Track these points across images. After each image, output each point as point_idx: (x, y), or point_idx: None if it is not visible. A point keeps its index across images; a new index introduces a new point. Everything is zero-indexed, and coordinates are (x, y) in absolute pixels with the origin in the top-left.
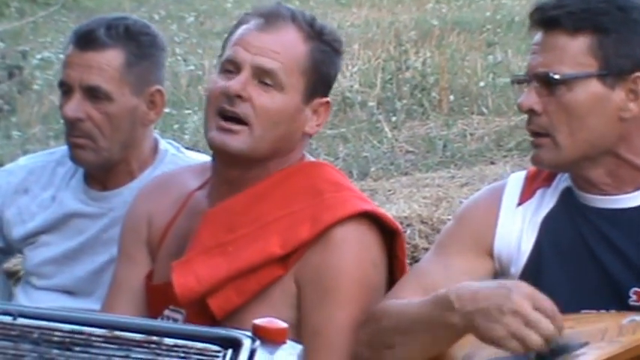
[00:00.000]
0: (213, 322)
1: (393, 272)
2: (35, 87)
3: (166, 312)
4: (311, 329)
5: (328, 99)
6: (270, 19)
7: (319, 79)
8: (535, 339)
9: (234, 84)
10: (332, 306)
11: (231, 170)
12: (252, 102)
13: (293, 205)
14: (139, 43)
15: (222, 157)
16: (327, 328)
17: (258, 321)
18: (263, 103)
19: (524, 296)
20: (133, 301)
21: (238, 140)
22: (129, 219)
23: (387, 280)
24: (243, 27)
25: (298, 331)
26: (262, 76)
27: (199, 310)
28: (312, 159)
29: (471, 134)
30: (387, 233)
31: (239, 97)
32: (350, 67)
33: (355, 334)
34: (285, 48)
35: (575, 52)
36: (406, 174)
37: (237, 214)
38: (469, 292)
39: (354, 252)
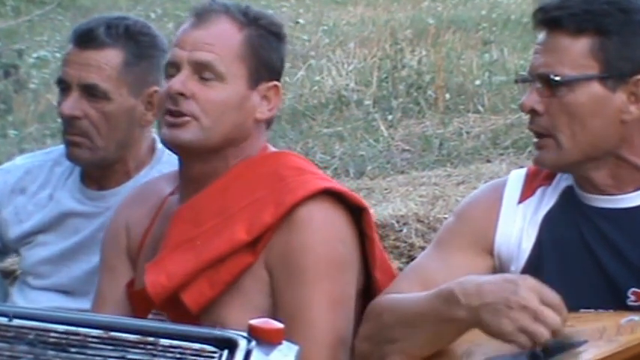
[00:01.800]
0: (195, 321)
1: (365, 250)
2: (31, 86)
3: (150, 316)
4: (286, 312)
5: (276, 83)
6: (203, 15)
7: (261, 64)
8: (544, 333)
9: (175, 83)
10: (303, 286)
11: (191, 166)
12: (195, 98)
13: (256, 193)
14: (138, 44)
15: (178, 152)
16: (302, 309)
17: (253, 321)
18: (207, 97)
19: (532, 290)
20: (117, 311)
21: (187, 132)
22: (109, 230)
23: (359, 258)
24: (180, 29)
25: (275, 318)
26: (201, 71)
27: (178, 311)
28: (274, 149)
29: (467, 132)
30: (354, 211)
31: (181, 95)
32: (346, 66)
33: (331, 311)
34: (219, 39)
35: (576, 53)
36: (402, 172)
37: (203, 209)
38: (474, 287)
39: (319, 230)
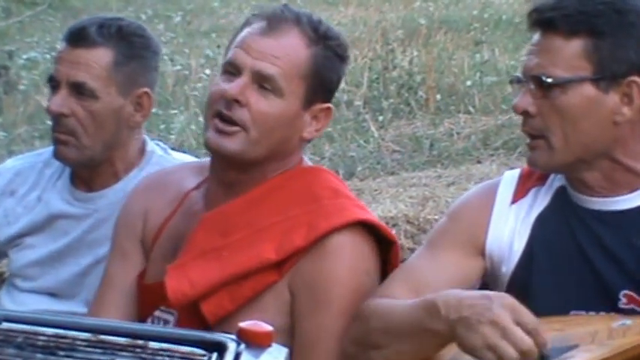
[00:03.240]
0: (204, 324)
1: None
2: (21, 87)
3: (157, 313)
4: (303, 337)
5: (329, 105)
6: (273, 22)
7: (320, 85)
8: (510, 352)
9: (233, 88)
10: (325, 315)
11: (227, 172)
12: (249, 107)
13: (289, 211)
14: (130, 44)
15: (218, 158)
16: (319, 337)
17: (243, 324)
18: (261, 109)
19: (506, 308)
20: (124, 298)
21: (234, 142)
22: (124, 215)
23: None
24: (247, 29)
25: (291, 338)
26: (261, 81)
27: (191, 312)
28: (310, 164)
29: (458, 133)
30: (382, 242)
31: (237, 101)
32: None
33: None
34: (287, 53)
35: (569, 55)
36: (392, 173)
37: (232, 218)
38: (455, 300)
39: (349, 261)
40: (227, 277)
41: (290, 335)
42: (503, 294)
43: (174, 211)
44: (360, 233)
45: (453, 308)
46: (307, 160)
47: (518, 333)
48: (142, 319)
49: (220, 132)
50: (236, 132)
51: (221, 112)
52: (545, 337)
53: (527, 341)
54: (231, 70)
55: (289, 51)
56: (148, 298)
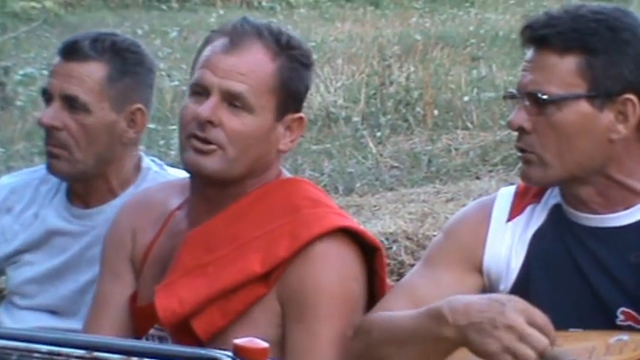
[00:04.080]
0: (198, 342)
1: (373, 288)
2: (18, 103)
3: (152, 331)
4: (294, 346)
5: (301, 114)
6: (235, 38)
7: (290, 96)
8: (529, 354)
9: (204, 110)
10: (314, 322)
11: (208, 190)
12: (223, 126)
13: (271, 223)
14: (124, 60)
15: (199, 180)
16: (310, 344)
17: (238, 341)
18: (234, 127)
19: (518, 311)
20: (118, 318)
21: (212, 161)
22: (113, 234)
23: (366, 297)
24: (209, 48)
25: (282, 350)
26: (231, 99)
27: (184, 331)
28: (289, 175)
29: (456, 149)
30: (367, 249)
31: (210, 122)
32: (334, 82)
33: (338, 348)
34: (252, 69)
35: (564, 72)
36: (391, 189)
37: (216, 234)
38: (462, 306)
39: (333, 267)
40: (215, 293)
41: (282, 347)
42: (513, 297)
43: (160, 232)
44: (342, 240)
45: (461, 314)
46: (286, 172)
47: (535, 334)
48: (137, 339)
49: (198, 151)
50: (213, 150)
51: (196, 134)
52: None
53: (544, 341)
54: (200, 90)
55: (254, 67)
56: (142, 319)
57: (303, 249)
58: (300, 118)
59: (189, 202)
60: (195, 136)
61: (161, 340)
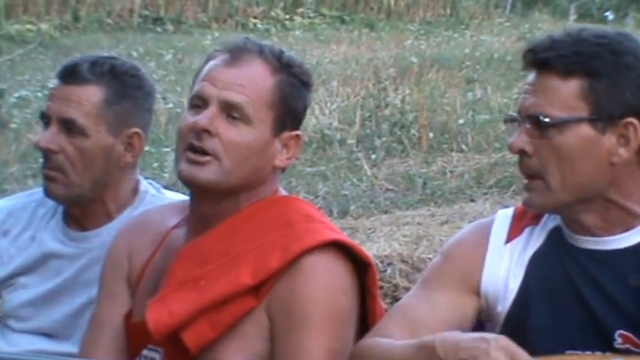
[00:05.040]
0: (189, 357)
1: (365, 305)
2: (13, 125)
3: (145, 352)
4: (284, 358)
5: (298, 132)
6: (236, 53)
7: (288, 113)
8: None
9: (202, 119)
10: (303, 334)
11: (202, 205)
12: (220, 137)
13: (263, 238)
14: (122, 83)
15: (192, 189)
16: (299, 356)
17: None
18: (231, 138)
19: (502, 350)
20: (113, 340)
21: (207, 172)
22: (110, 256)
23: (358, 313)
24: (211, 63)
25: None
26: (229, 110)
27: (175, 348)
28: (285, 193)
29: (451, 172)
30: (359, 265)
31: (207, 131)
32: (329, 105)
33: None
34: (252, 82)
35: (566, 95)
36: (386, 212)
37: (208, 249)
38: (452, 342)
39: (323, 280)
40: (206, 305)
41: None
42: (499, 336)
43: (156, 250)
44: (333, 254)
45: (451, 350)
46: (283, 191)
47: None
48: (133, 359)
49: (193, 162)
50: (208, 161)
51: (192, 144)
52: None
53: None
54: (199, 103)
55: (254, 80)
56: (136, 337)
57: (293, 261)
58: (297, 136)
59: (187, 220)
60: (192, 147)
61: None
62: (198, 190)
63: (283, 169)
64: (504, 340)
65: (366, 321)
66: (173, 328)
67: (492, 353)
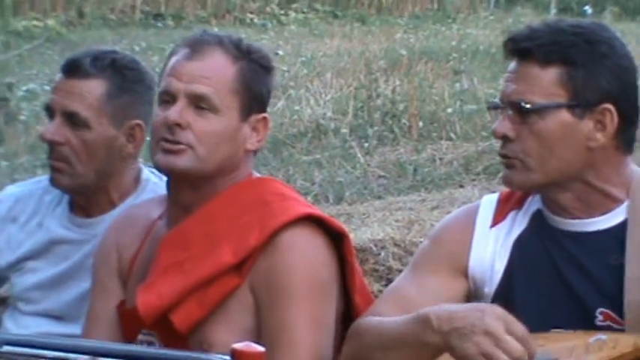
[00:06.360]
0: (181, 339)
1: (344, 275)
2: (22, 118)
3: (140, 336)
4: (270, 332)
5: (265, 115)
6: (197, 46)
7: (253, 97)
8: (504, 359)
9: (172, 113)
10: (287, 307)
11: (181, 192)
12: (191, 128)
13: (242, 218)
14: (123, 77)
15: (171, 177)
16: (285, 329)
17: (236, 345)
18: (201, 128)
19: (497, 318)
20: (109, 330)
21: (183, 159)
22: (100, 252)
23: (339, 282)
24: (174, 58)
25: (258, 338)
26: (197, 102)
27: (167, 330)
28: (259, 175)
29: (440, 159)
30: (335, 237)
31: (178, 125)
32: (323, 96)
33: (311, 331)
34: (215, 72)
35: (546, 82)
36: (379, 198)
37: (190, 233)
38: (447, 313)
39: (301, 253)
40: (192, 286)
41: (256, 335)
42: (493, 305)
43: (143, 242)
44: (309, 227)
45: (445, 320)
46: (255, 173)
47: (511, 341)
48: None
49: (168, 152)
50: (183, 150)
51: (166, 138)
52: (534, 349)
53: (519, 349)
54: (167, 98)
55: (217, 70)
56: (130, 324)
57: (271, 238)
58: (264, 118)
59: (167, 209)
60: (165, 139)
61: (149, 345)
62: (176, 178)
63: (255, 152)
64: (498, 309)
65: (347, 289)
66: (162, 309)
67: (488, 320)
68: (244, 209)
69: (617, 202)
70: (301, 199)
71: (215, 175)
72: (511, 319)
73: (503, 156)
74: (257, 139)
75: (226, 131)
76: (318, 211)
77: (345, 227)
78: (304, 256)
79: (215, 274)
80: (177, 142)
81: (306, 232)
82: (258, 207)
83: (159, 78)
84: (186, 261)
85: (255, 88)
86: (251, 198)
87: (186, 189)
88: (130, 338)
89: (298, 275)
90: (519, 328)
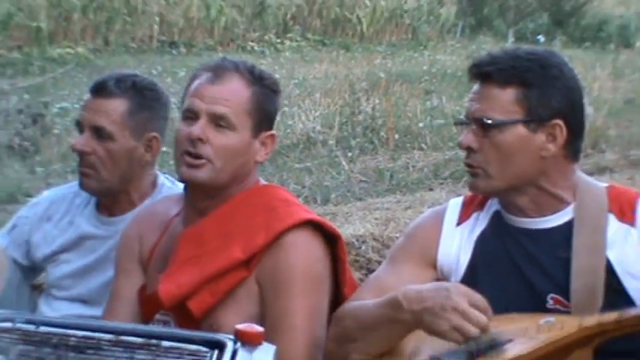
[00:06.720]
0: (195, 322)
1: (336, 270)
2: (55, 131)
3: (157, 316)
4: (271, 318)
5: (273, 132)
6: (218, 71)
7: (263, 117)
8: (472, 330)
9: (195, 130)
10: (286, 297)
11: (199, 198)
12: (210, 143)
13: (251, 220)
14: (142, 96)
15: (191, 187)
16: (286, 316)
17: (239, 326)
18: (220, 143)
19: (462, 295)
20: (129, 309)
21: (203, 172)
22: (124, 241)
23: (332, 276)
24: (197, 81)
25: (261, 323)
26: (217, 120)
27: (182, 313)
28: (265, 182)
29: (413, 166)
30: (330, 238)
31: (200, 140)
32: (313, 112)
33: (308, 318)
34: (232, 95)
35: (504, 101)
36: (360, 199)
37: (206, 232)
38: (415, 293)
39: (302, 252)
40: (206, 277)
41: (259, 321)
42: (455, 283)
43: (162, 235)
44: (308, 230)
45: (415, 301)
46: (262, 180)
47: (475, 313)
48: (145, 324)
49: (191, 166)
50: (203, 164)
51: (189, 151)
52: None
53: (483, 319)
54: (191, 115)
55: (234, 93)
56: (149, 305)
57: (276, 238)
58: (272, 134)
59: (184, 210)
60: (188, 153)
61: (165, 324)
62: (195, 187)
63: (261, 163)
64: (461, 287)
65: (338, 282)
66: (180, 297)
67: (453, 297)
68: (253, 213)
69: (565, 203)
70: (301, 205)
71: (229, 184)
72: (472, 293)
73: (468, 165)
74: (265, 152)
75: (240, 146)
76: (316, 216)
77: (339, 231)
78: (304, 255)
79: (227, 268)
80: (198, 156)
81: (306, 234)
82: (266, 211)
83: (182, 97)
84: (201, 256)
85: (265, 108)
86: (259, 203)
87: (203, 195)
88: (148, 317)
89: (298, 271)
90: (479, 299)
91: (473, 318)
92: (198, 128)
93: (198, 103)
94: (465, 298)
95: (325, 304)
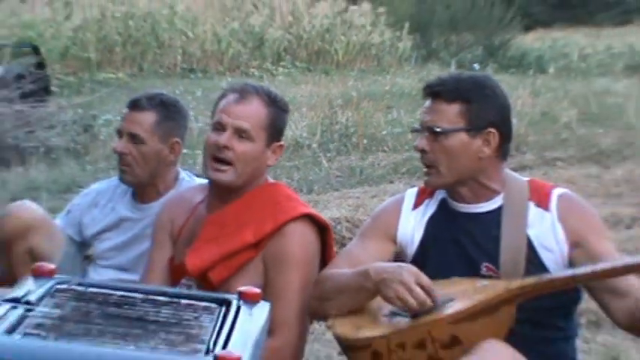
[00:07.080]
0: (212, 287)
1: (325, 253)
2: (101, 137)
3: (183, 281)
4: (274, 289)
5: (282, 142)
6: (243, 93)
7: (275, 131)
8: (412, 302)
9: (223, 139)
10: (286, 274)
11: (222, 193)
12: (234, 150)
13: (260, 211)
14: (168, 110)
15: (216, 186)
16: (284, 288)
17: (241, 288)
18: (241, 150)
19: (412, 274)
20: (161, 274)
21: (227, 175)
22: (159, 220)
23: (321, 258)
24: (225, 100)
25: (265, 293)
26: (240, 133)
27: (203, 280)
28: (272, 181)
29: (378, 164)
30: (321, 228)
31: (226, 147)
32: (300, 123)
33: (302, 290)
34: (253, 113)
35: (450, 114)
36: (337, 190)
37: (226, 218)
38: (380, 268)
39: (299, 239)
40: (223, 254)
41: (264, 291)
42: (410, 265)
43: (189, 217)
44: (305, 222)
45: (377, 273)
46: (270, 179)
47: (417, 289)
48: (174, 287)
49: (217, 170)
50: (227, 169)
51: (216, 156)
52: (436, 296)
53: (422, 295)
54: (219, 127)
55: (255, 112)
56: (176, 273)
57: (280, 227)
58: (281, 145)
59: (208, 199)
60: (216, 158)
61: (189, 287)
62: (220, 187)
63: (271, 166)
64: (412, 268)
65: (325, 261)
66: (203, 268)
67: (403, 274)
68: (262, 206)
69: (496, 193)
70: (301, 200)
71: (245, 183)
72: (420, 274)
73: (424, 164)
74: (275, 158)
75: (257, 154)
76: (313, 210)
77: (314, 209)
78: (301, 241)
79: (240, 249)
80: (223, 161)
81: (303, 225)
82: (272, 205)
83: (212, 111)
84: (220, 237)
85: (277, 124)
86: (267, 198)
87: (225, 191)
88: (175, 282)
89: (296, 253)
90: (426, 281)
91: (414, 293)
92: (225, 138)
93: (225, 117)
94: (413, 277)
95: (314, 278)
